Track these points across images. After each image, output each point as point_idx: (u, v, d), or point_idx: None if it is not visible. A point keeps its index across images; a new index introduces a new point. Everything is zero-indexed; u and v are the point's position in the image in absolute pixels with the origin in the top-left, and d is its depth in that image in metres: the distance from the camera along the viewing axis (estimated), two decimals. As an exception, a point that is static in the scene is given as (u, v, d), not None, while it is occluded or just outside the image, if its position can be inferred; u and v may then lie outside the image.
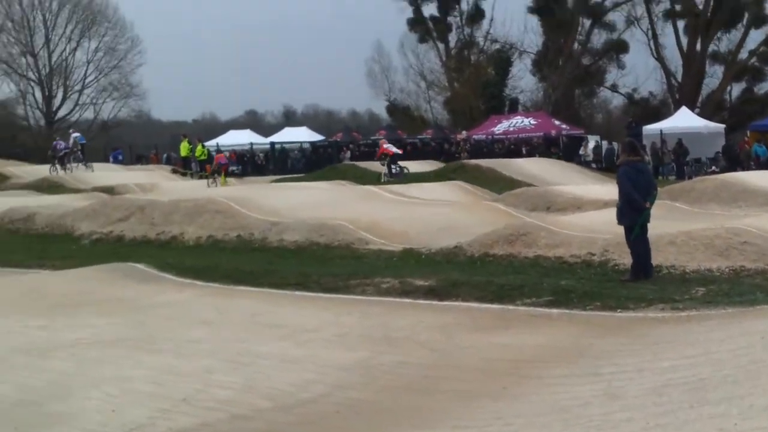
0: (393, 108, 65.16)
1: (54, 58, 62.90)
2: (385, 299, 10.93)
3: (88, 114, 64.57)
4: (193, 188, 28.66)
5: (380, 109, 72.62)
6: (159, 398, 7.12)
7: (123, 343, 9.25)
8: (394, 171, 30.71)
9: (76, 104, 63.78)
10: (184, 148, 37.14)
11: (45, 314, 10.96)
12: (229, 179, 32.42)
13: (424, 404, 6.79)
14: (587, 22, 59.48)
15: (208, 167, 33.23)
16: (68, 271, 14.57)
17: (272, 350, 8.66)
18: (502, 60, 58.70)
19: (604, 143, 43.64)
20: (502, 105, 57.56)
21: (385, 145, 32.64)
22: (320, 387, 7.31)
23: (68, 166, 35.67)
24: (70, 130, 41.32)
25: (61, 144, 37.63)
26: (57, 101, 63.37)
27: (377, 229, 16.59)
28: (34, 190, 31.41)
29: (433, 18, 62.95)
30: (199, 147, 36.87)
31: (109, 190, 28.37)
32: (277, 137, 54.60)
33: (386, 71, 65.36)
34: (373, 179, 29.52)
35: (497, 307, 10.06)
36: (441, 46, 63.31)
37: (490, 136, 47.60)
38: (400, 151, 33.14)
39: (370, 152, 45.20)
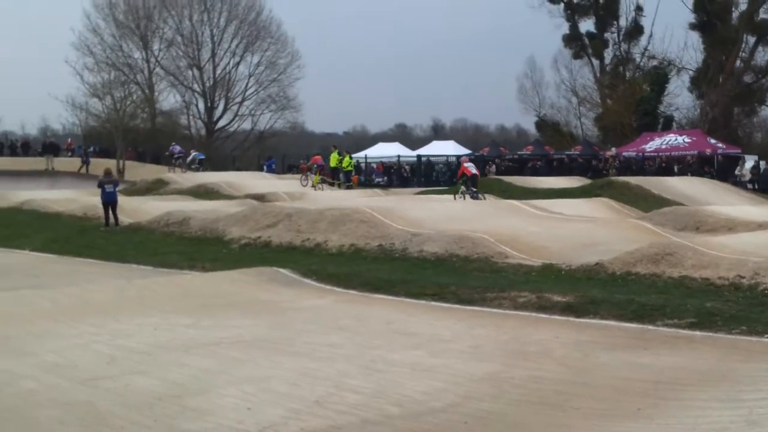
0: (542, 123, 64.59)
1: (218, 71, 65.32)
2: (520, 313, 10.86)
3: (246, 125, 66.88)
4: (340, 198, 29.22)
5: (529, 124, 72.17)
6: (293, 399, 7.29)
7: (263, 344, 9.56)
8: (472, 196, 27.76)
9: (236, 115, 66.06)
10: (333, 159, 37.90)
11: (192, 313, 11.45)
12: (371, 189, 33.29)
13: (554, 420, 6.69)
14: (751, 39, 57.02)
15: (355, 178, 33.92)
16: (216, 273, 15.15)
17: (405, 358, 8.74)
18: (659, 76, 56.95)
19: (762, 163, 41.70)
20: (656, 122, 55.87)
21: (465, 164, 30.36)
22: (450, 397, 7.32)
23: (183, 171, 39.38)
24: (191, 149, 44.58)
25: (177, 148, 42.59)
26: (218, 112, 65.76)
27: (517, 243, 16.46)
28: (191, 196, 32.69)
29: (589, 34, 61.92)
30: (347, 158, 37.70)
31: (260, 198, 29.32)
32: (424, 150, 55.05)
33: (538, 87, 65.02)
34: (518, 194, 29.25)
35: (636, 326, 9.81)
36: (596, 62, 62.20)
37: (641, 154, 46.33)
38: (477, 173, 30.57)
39: (516, 167, 45.05)
